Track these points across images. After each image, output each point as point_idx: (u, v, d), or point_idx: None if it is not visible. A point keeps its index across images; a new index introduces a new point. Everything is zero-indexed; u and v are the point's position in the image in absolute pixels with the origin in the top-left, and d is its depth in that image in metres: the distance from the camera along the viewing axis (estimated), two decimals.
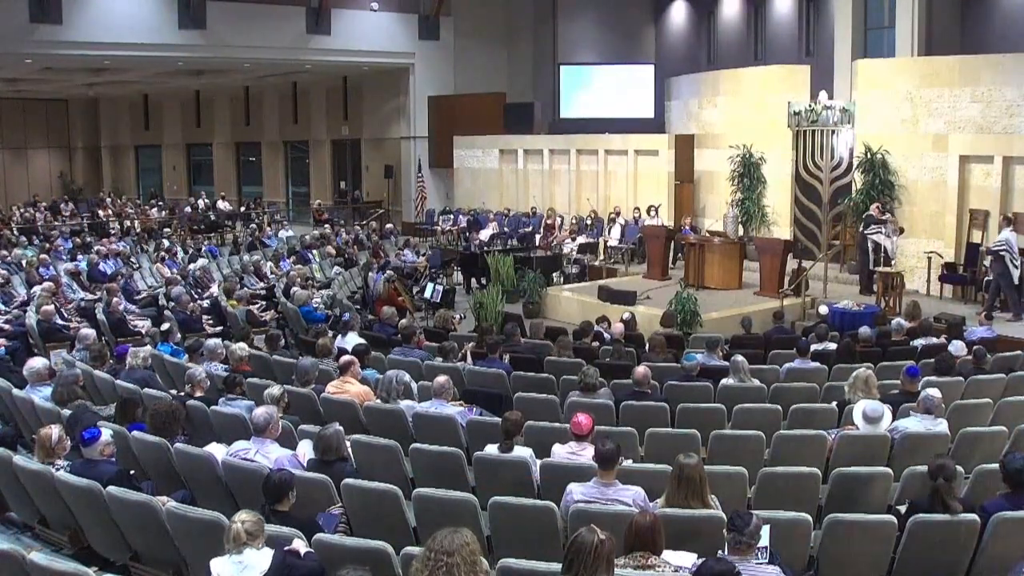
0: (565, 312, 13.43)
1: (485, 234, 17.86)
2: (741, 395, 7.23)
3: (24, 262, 14.97)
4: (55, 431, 5.33)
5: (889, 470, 5.39)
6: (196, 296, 12.98)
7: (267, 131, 28.21)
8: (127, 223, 22.36)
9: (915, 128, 13.74)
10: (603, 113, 20.06)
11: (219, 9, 19.12)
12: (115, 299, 11.53)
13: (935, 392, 6.23)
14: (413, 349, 8.91)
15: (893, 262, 12.91)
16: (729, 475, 5.21)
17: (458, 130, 21.83)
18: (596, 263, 16.99)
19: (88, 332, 9.13)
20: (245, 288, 13.27)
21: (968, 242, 12.99)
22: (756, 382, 7.61)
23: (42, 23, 17.20)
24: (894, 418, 6.24)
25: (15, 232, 19.80)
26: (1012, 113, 12.69)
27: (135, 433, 5.76)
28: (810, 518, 4.60)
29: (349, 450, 5.55)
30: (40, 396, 6.86)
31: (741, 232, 15.41)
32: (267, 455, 5.33)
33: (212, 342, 8.33)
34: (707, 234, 15.54)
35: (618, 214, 17.83)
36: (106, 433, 5.34)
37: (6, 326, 11.10)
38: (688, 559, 4.04)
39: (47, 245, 17.90)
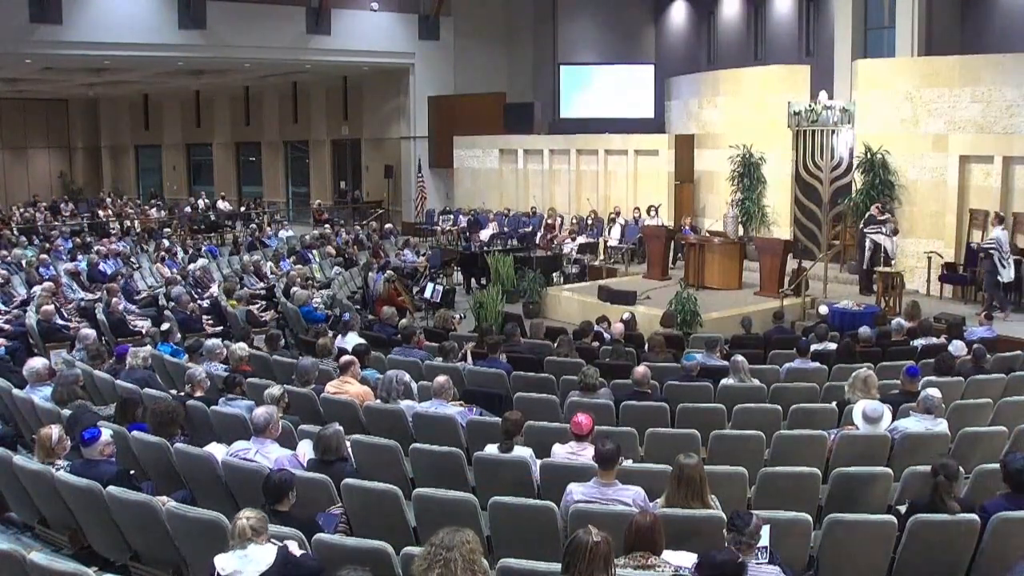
0: (565, 312, 13.43)
1: (485, 234, 17.84)
2: (741, 395, 7.23)
3: (24, 262, 14.97)
4: (55, 431, 5.33)
5: (889, 470, 5.39)
6: (196, 296, 12.96)
7: (267, 131, 28.20)
8: (127, 223, 22.37)
9: (915, 128, 13.75)
10: (603, 113, 20.04)
11: (219, 9, 19.11)
12: (115, 299, 11.52)
13: (935, 392, 6.23)
14: (413, 349, 8.90)
15: (893, 262, 12.92)
16: (729, 475, 5.22)
17: (458, 130, 21.82)
18: (596, 263, 17.00)
19: (88, 332, 9.11)
20: (245, 288, 13.27)
21: (968, 242, 13.01)
22: (756, 382, 7.61)
23: (42, 23, 17.19)
24: (894, 418, 6.24)
25: (15, 232, 19.80)
26: (1012, 113, 12.70)
27: (135, 433, 5.75)
28: (810, 518, 4.60)
29: (349, 450, 5.55)
30: (40, 396, 6.85)
31: (741, 232, 15.42)
32: (267, 455, 5.33)
33: (212, 342, 8.32)
34: (707, 234, 15.53)
35: (618, 214, 17.83)
36: (106, 433, 5.34)
37: (6, 326, 11.10)
38: (688, 559, 4.04)
39: (47, 245, 17.89)
